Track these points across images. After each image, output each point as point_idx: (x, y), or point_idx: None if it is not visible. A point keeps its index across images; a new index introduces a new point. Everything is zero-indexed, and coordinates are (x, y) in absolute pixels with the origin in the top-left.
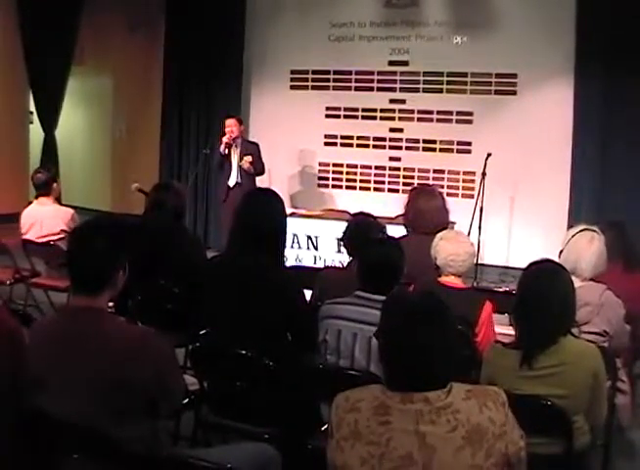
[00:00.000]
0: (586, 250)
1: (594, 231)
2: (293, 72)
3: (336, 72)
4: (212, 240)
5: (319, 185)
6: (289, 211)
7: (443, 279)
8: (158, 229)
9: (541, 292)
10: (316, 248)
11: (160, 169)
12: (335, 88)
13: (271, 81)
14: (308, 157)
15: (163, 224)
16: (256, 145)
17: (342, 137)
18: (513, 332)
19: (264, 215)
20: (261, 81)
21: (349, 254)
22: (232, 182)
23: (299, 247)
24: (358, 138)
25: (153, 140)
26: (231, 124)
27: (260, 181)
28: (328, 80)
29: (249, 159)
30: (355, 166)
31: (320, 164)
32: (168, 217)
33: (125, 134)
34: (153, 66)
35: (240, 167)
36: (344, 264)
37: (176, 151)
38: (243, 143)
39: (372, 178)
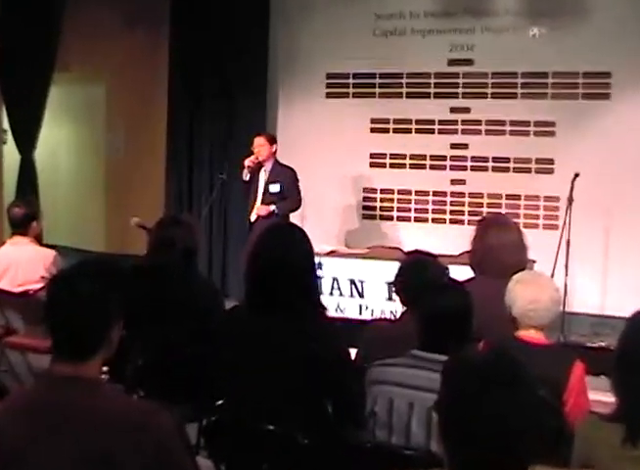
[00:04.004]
0: None
1: None
2: (329, 77)
3: (383, 76)
4: (231, 287)
5: (364, 216)
6: (327, 249)
7: (522, 333)
8: (163, 274)
9: None
10: (361, 295)
11: (165, 199)
12: (382, 95)
13: (303, 89)
14: (350, 181)
15: (171, 268)
16: (291, 171)
17: (392, 156)
18: (612, 400)
19: (285, 254)
20: (291, 89)
21: (403, 302)
22: (253, 216)
23: (341, 294)
24: (412, 157)
25: (157, 163)
26: (259, 144)
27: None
28: (373, 86)
29: (267, 208)
30: (409, 193)
31: (365, 191)
32: (177, 259)
33: (122, 156)
34: (155, 71)
35: (265, 196)
36: (397, 316)
37: (186, 176)
38: (274, 168)
39: (430, 207)
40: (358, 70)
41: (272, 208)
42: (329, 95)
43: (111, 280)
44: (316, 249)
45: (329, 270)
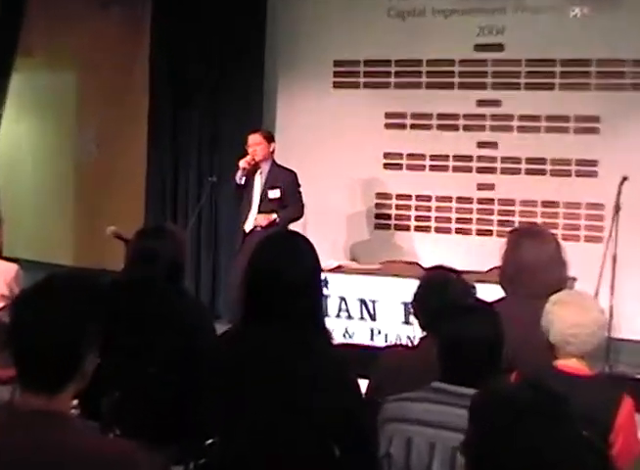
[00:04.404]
0: None
1: None
2: (337, 64)
3: (399, 63)
4: (222, 307)
5: (377, 226)
6: (333, 264)
7: (561, 363)
8: (144, 293)
9: None
10: (373, 317)
11: (146, 206)
12: (398, 86)
13: (306, 78)
14: (360, 186)
15: (153, 285)
16: (292, 174)
17: (410, 156)
18: None
19: (288, 267)
20: (292, 79)
21: (422, 326)
22: (249, 226)
23: (349, 316)
24: (432, 157)
25: (136, 163)
26: (255, 142)
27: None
28: (388, 74)
29: (269, 217)
30: (429, 199)
31: (378, 196)
32: (159, 275)
33: (96, 154)
34: (134, 58)
35: (263, 203)
36: (415, 342)
37: (170, 179)
38: (272, 170)
39: (453, 215)
40: (371, 56)
41: (274, 217)
42: (337, 85)
43: (84, 299)
44: (321, 264)
45: (336, 289)
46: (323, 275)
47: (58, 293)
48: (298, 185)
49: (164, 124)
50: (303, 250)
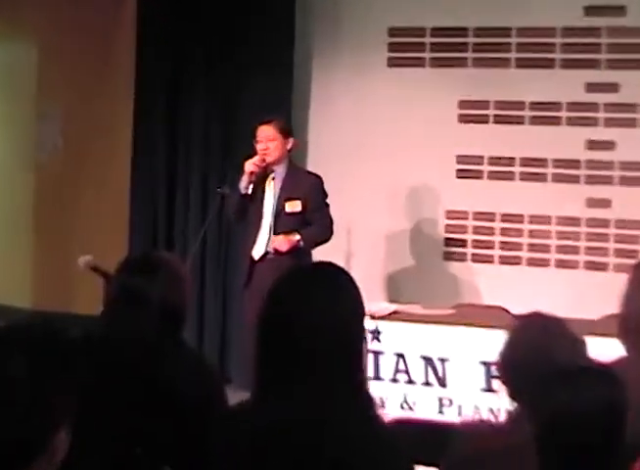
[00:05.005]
0: None
1: None
2: (394, 34)
3: (479, 33)
4: (234, 368)
5: (447, 256)
6: (388, 308)
7: None
8: (129, 349)
9: None
10: (443, 383)
11: (131, 228)
12: (477, 63)
13: (351, 54)
14: (424, 200)
15: (142, 338)
16: (316, 180)
17: (493, 161)
18: None
19: (316, 313)
20: (331, 55)
21: (512, 396)
22: (259, 251)
23: (410, 380)
24: (524, 162)
25: (117, 169)
26: (267, 136)
27: (324, 251)
28: (464, 48)
29: (289, 239)
30: (519, 219)
31: (449, 215)
32: (151, 323)
33: (61, 156)
34: (116, 27)
35: (278, 219)
36: (501, 418)
37: (164, 190)
38: (289, 174)
39: (552, 242)
40: (440, 22)
41: (296, 238)
42: (392, 62)
43: (52, 359)
44: (368, 307)
45: (391, 342)
46: (372, 324)
47: (16, 350)
48: (325, 194)
49: (156, 117)
50: (340, 287)
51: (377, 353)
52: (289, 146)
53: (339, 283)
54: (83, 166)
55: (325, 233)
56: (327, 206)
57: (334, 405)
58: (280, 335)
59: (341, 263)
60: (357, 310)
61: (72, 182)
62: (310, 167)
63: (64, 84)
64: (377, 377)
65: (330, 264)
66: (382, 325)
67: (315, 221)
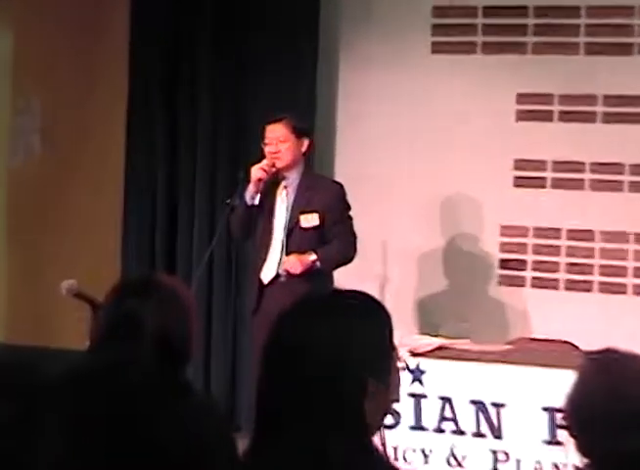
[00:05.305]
0: None
1: None
2: (438, 14)
3: (541, 12)
4: (245, 410)
5: (503, 280)
6: (431, 343)
7: None
8: (120, 395)
9: None
10: (498, 433)
11: (124, 245)
12: (539, 49)
13: (386, 38)
14: (475, 213)
15: (136, 381)
16: (336, 188)
17: (558, 166)
18: None
19: (326, 358)
20: (362, 39)
21: (584, 450)
22: (269, 273)
23: (458, 430)
24: (596, 168)
25: (107, 174)
26: (277, 137)
27: (350, 274)
28: (522, 30)
29: (304, 259)
30: (589, 236)
31: (505, 232)
32: (148, 362)
33: (41, 159)
34: (105, 9)
35: (291, 235)
36: None
37: (163, 201)
38: (304, 181)
39: (630, 264)
40: (494, 0)
41: (311, 258)
42: (437, 48)
43: (32, 402)
44: (406, 342)
45: (435, 384)
46: (413, 362)
47: None
48: (347, 206)
49: (154, 117)
50: (358, 319)
51: (418, 397)
52: (303, 148)
53: (358, 314)
54: (67, 173)
55: (347, 252)
56: (350, 219)
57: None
58: (279, 374)
59: (372, 289)
60: (379, 349)
61: (54, 192)
62: (338, 176)
63: (44, 78)
64: (418, 426)
65: (353, 292)
66: (424, 363)
67: (335, 238)
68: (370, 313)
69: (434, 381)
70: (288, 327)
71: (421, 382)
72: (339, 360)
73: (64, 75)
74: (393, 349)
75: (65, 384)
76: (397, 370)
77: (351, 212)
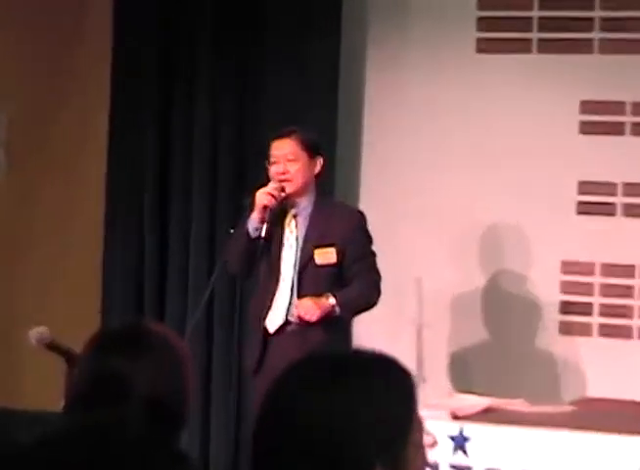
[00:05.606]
0: None
1: None
2: (484, 4)
3: (609, 5)
4: None
5: (564, 328)
6: (478, 403)
7: None
8: (105, 460)
9: None
10: None
11: (104, 285)
12: (607, 47)
13: (422, 35)
14: (530, 246)
15: (123, 444)
16: (357, 215)
17: (630, 189)
18: None
19: (325, 432)
20: (392, 39)
21: None
22: (276, 320)
23: None
24: None
25: (87, 195)
26: (284, 155)
27: (375, 320)
28: (587, 26)
29: (320, 303)
30: None
31: (567, 269)
32: (135, 426)
33: (7, 176)
34: (82, 12)
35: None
36: None
37: (152, 229)
38: (317, 208)
39: None
40: None
41: (332, 301)
42: (483, 46)
43: None
44: (446, 402)
45: (482, 453)
46: (455, 427)
47: None
48: (370, 239)
49: (141, 123)
50: (382, 389)
51: None
52: (317, 169)
53: (373, 385)
54: (38, 193)
55: (370, 296)
56: (373, 255)
57: None
58: (270, 445)
59: (403, 337)
60: (395, 428)
61: (22, 216)
62: (363, 203)
63: (10, 88)
64: None
65: (373, 354)
66: (469, 429)
67: (355, 278)
68: (389, 384)
69: (479, 449)
70: (284, 395)
71: (465, 451)
72: (339, 442)
73: (33, 85)
74: (419, 422)
75: (39, 452)
76: (422, 451)
77: (374, 247)
